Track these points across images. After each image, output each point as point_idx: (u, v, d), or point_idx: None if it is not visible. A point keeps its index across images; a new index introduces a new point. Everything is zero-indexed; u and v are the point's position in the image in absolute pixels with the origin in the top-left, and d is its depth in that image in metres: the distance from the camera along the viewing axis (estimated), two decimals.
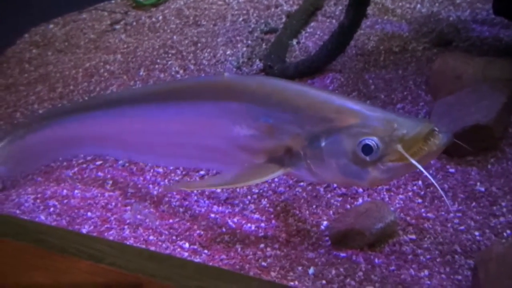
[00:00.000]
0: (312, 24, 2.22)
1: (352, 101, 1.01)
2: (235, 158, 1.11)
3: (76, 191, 1.42)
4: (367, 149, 0.91)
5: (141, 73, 2.05)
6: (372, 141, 0.90)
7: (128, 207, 1.33)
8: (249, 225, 1.22)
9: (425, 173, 0.87)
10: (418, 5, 2.20)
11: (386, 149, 0.90)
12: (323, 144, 0.95)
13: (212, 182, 1.19)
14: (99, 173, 1.49)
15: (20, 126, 1.52)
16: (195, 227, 1.23)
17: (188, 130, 1.17)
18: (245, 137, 1.06)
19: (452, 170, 1.29)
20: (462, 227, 1.12)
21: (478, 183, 1.23)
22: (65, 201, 1.37)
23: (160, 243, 1.19)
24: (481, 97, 1.33)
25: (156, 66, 2.08)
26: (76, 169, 1.53)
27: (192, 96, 1.15)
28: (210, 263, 1.09)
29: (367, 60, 1.86)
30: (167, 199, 1.35)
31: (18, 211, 1.34)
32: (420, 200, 1.22)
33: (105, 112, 1.30)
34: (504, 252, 0.88)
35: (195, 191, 1.35)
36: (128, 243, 1.18)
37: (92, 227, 1.26)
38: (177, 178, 1.43)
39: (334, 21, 2.20)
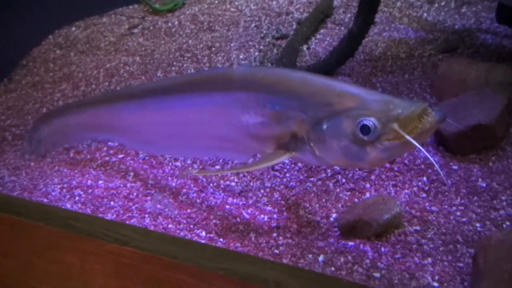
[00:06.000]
0: (322, 30, 2.30)
1: (352, 86, 1.07)
2: (246, 146, 1.17)
3: (100, 181, 1.50)
4: (365, 129, 0.96)
5: (158, 74, 2.14)
6: (370, 121, 0.95)
7: (149, 197, 1.40)
8: (262, 216, 1.29)
9: (420, 148, 0.92)
10: (425, 14, 2.27)
11: (383, 129, 0.94)
12: (325, 127, 1.01)
13: (224, 170, 1.25)
14: (121, 166, 1.58)
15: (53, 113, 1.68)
16: (212, 217, 1.30)
17: (203, 120, 1.24)
18: (254, 125, 1.12)
19: (455, 167, 1.36)
20: (464, 219, 1.19)
21: (480, 179, 1.30)
22: (90, 191, 1.45)
23: (178, 231, 1.26)
24: (484, 99, 1.41)
25: (173, 68, 2.17)
26: (99, 161, 1.61)
27: (205, 87, 1.21)
28: None
29: (375, 65, 1.93)
30: (185, 190, 1.43)
31: (45, 200, 1.42)
32: (424, 195, 1.28)
33: (126, 104, 1.37)
34: (502, 238, 0.94)
35: (211, 184, 1.43)
36: None
37: (114, 216, 1.33)
38: (194, 172, 1.51)
39: (343, 28, 2.28)
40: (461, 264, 1.07)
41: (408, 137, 0.92)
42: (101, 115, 1.44)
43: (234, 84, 1.15)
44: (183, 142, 1.33)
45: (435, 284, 1.03)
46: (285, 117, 1.07)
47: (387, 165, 1.40)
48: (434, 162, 1.02)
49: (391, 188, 1.32)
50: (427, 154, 0.98)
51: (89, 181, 1.50)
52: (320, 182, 1.38)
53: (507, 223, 1.16)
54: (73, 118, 1.52)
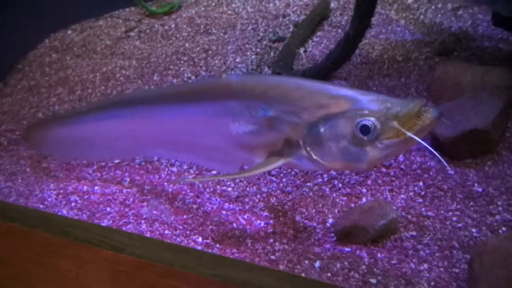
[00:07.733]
0: (319, 33, 2.30)
1: (346, 88, 1.07)
2: (237, 156, 1.16)
3: (96, 187, 1.50)
4: (365, 129, 0.95)
5: (155, 78, 2.14)
6: (369, 121, 0.95)
7: (145, 203, 1.40)
8: (258, 221, 1.29)
9: (422, 142, 0.92)
10: (421, 16, 2.27)
11: (383, 128, 0.95)
12: (322, 130, 1.00)
13: (218, 175, 1.25)
14: (117, 171, 1.57)
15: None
16: (208, 222, 1.30)
17: (192, 130, 1.23)
18: (245, 133, 1.11)
19: (451, 172, 1.36)
20: (460, 225, 1.19)
21: (476, 184, 1.30)
22: (86, 196, 1.45)
23: (175, 237, 1.26)
24: (480, 103, 1.41)
25: (169, 71, 2.17)
26: (95, 167, 1.61)
27: (195, 97, 1.20)
28: None
29: (371, 68, 1.93)
30: (181, 196, 1.43)
31: (41, 206, 1.42)
32: (420, 200, 1.28)
33: (118, 111, 1.37)
34: (498, 244, 0.94)
35: (208, 190, 1.43)
36: None
37: (111, 222, 1.33)
38: (190, 177, 1.51)
39: (340, 30, 2.28)
40: (457, 270, 1.07)
41: (408, 133, 0.92)
42: (89, 125, 1.43)
43: (225, 93, 1.14)
44: (173, 152, 1.32)
45: None
46: (279, 122, 1.06)
47: (383, 169, 1.40)
48: (433, 150, 1.02)
49: (387, 193, 1.32)
50: (431, 149, 0.98)
51: (85, 187, 1.50)
52: (316, 187, 1.38)
53: (503, 228, 1.16)
54: (61, 129, 1.51)
